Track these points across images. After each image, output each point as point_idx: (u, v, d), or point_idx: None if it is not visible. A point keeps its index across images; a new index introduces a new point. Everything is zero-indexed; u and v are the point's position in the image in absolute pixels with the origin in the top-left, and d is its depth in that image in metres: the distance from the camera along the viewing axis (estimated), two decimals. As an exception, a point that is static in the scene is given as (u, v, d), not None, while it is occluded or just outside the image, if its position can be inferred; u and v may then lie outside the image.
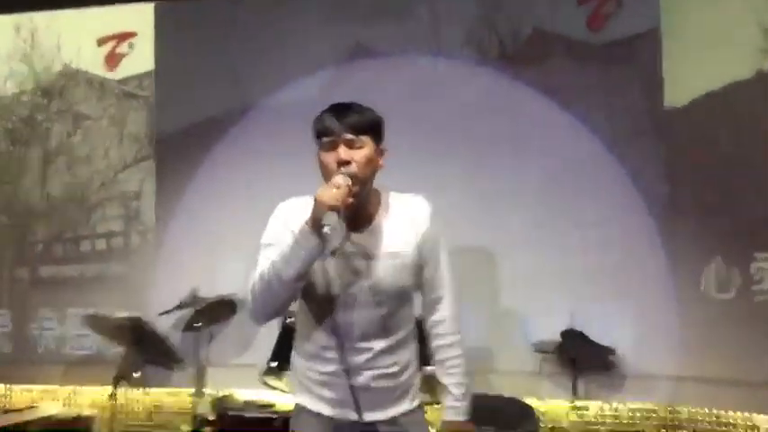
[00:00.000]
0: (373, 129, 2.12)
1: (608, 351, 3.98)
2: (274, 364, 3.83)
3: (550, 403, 4.22)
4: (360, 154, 2.05)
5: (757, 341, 3.83)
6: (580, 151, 4.38)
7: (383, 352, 2.15)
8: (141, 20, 5.14)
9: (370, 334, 2.13)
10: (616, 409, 4.19)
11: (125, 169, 5.14)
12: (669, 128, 4.27)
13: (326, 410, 2.19)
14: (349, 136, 2.05)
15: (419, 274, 2.20)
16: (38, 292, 5.23)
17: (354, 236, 2.11)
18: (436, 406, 2.37)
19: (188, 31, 5.04)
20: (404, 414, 2.22)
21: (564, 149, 4.40)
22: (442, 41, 4.63)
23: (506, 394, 3.89)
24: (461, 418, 2.24)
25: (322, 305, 2.13)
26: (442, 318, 2.24)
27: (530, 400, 3.92)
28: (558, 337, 3.99)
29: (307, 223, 1.94)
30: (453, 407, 2.24)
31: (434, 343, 2.26)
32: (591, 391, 4.16)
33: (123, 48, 5.19)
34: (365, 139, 2.07)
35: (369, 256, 2.11)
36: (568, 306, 4.10)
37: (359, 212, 2.10)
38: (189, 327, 4.58)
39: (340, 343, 2.09)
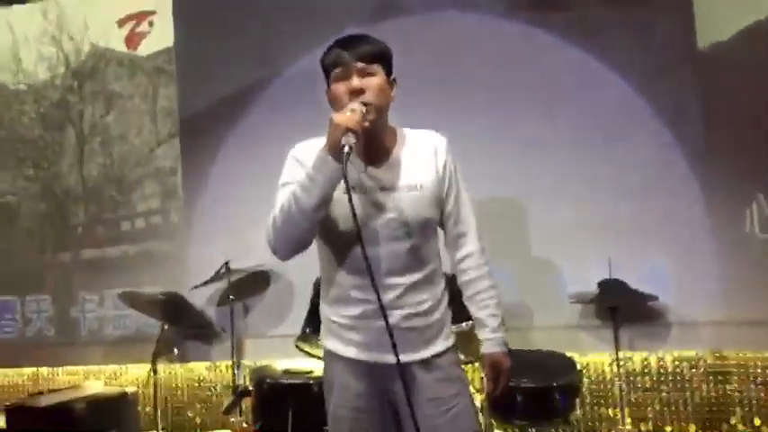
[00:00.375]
0: (384, 57, 2.09)
1: (649, 298, 3.81)
2: (309, 330, 3.81)
3: (592, 356, 4.12)
4: (373, 82, 2.02)
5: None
6: (612, 96, 4.21)
7: (411, 288, 2.10)
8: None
9: (397, 269, 2.08)
10: (661, 359, 4.06)
11: (160, 145, 5.10)
12: (701, 68, 4.11)
13: (358, 354, 2.14)
14: (360, 65, 2.02)
15: (440, 205, 2.16)
16: (80, 275, 5.22)
17: (373, 170, 2.08)
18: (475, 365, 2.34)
19: (208, 4, 5.00)
20: (437, 355, 2.16)
21: (595, 95, 4.24)
22: None
23: (546, 349, 3.80)
24: (500, 349, 2.20)
25: (345, 243, 2.07)
26: (470, 252, 2.22)
27: (571, 354, 3.79)
28: (596, 289, 3.88)
29: (324, 149, 1.91)
30: (490, 339, 2.21)
31: (464, 278, 2.24)
32: (634, 342, 4.04)
33: (144, 27, 5.15)
34: (377, 67, 2.05)
35: (389, 189, 2.08)
36: (606, 256, 3.94)
37: (376, 146, 2.08)
38: (224, 300, 4.61)
39: (366, 281, 1.97)
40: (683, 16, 4.16)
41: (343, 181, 1.90)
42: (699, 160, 4.08)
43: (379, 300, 1.88)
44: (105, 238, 5.20)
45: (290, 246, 2.02)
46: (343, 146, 1.85)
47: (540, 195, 4.25)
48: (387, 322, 1.88)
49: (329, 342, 2.22)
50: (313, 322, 3.70)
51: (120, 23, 5.20)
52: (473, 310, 2.24)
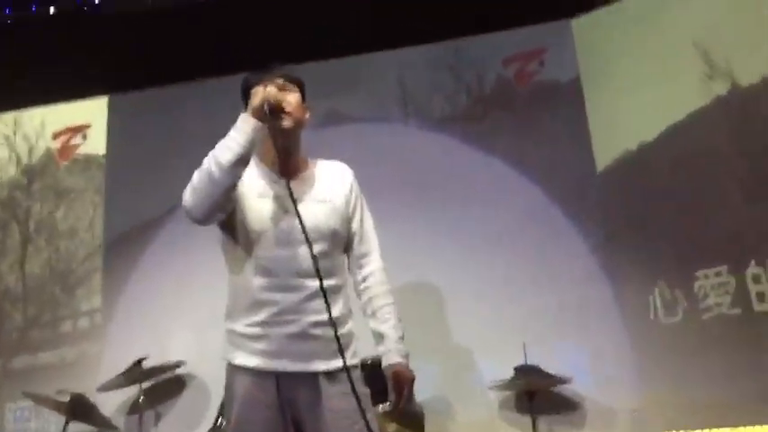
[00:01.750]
0: (299, 82, 2.27)
1: (563, 380, 3.81)
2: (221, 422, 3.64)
3: (512, 447, 4.03)
4: (291, 96, 2.17)
5: (711, 360, 3.79)
6: (522, 202, 4.45)
7: (317, 294, 2.06)
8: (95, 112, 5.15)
9: (304, 271, 2.07)
10: (579, 448, 4.00)
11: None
12: (601, 175, 4.41)
13: (263, 364, 2.08)
14: (280, 81, 2.18)
15: (346, 222, 2.25)
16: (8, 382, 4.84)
17: (292, 184, 2.12)
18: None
19: (140, 119, 5.04)
20: (343, 369, 2.07)
21: (505, 196, 4.47)
22: (393, 109, 4.79)
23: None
24: (402, 359, 2.19)
25: (256, 244, 2.10)
26: (373, 269, 2.29)
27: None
28: (512, 374, 3.85)
29: (245, 113, 2.03)
30: (392, 349, 2.20)
31: (367, 295, 2.27)
32: (553, 430, 3.98)
33: (77, 139, 5.17)
34: (293, 87, 2.22)
35: (301, 198, 2.14)
36: (521, 347, 3.97)
37: (290, 162, 2.19)
38: (135, 407, 4.36)
39: (273, 282, 2.06)
40: (581, 128, 4.49)
41: (258, 188, 2.12)
42: (603, 254, 4.25)
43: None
44: (41, 342, 4.88)
45: (206, 204, 2.02)
46: (264, 103, 1.99)
47: (457, 288, 4.31)
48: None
49: (232, 356, 2.14)
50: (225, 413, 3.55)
51: (55, 136, 5.22)
52: (374, 324, 2.24)
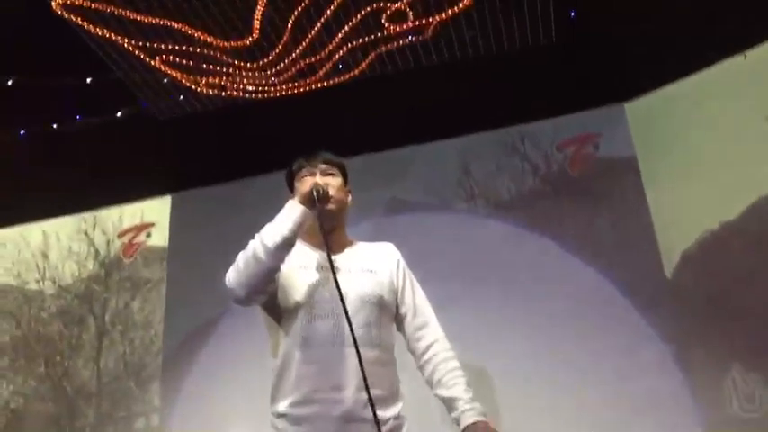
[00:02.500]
0: (341, 167, 2.32)
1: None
2: None
3: None
4: (334, 180, 2.24)
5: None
6: (587, 288, 4.31)
7: (368, 363, 1.99)
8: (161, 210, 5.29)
9: (344, 341, 2.03)
10: None
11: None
12: (669, 258, 4.24)
13: None
14: (323, 166, 2.25)
15: (394, 293, 2.23)
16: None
17: (336, 257, 2.13)
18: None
19: (200, 215, 5.11)
20: None
21: (570, 286, 4.32)
22: (457, 195, 4.76)
23: None
24: (481, 417, 2.06)
25: (297, 316, 2.10)
26: (435, 338, 2.21)
27: None
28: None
29: (293, 199, 2.11)
30: (471, 408, 2.07)
31: (431, 365, 2.17)
32: None
33: (141, 237, 5.29)
34: (336, 171, 2.28)
35: (345, 269, 2.16)
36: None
37: (335, 239, 2.19)
38: None
39: (314, 354, 2.04)
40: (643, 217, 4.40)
41: (300, 260, 2.13)
42: (672, 337, 4.07)
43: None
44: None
45: (249, 284, 2.02)
46: (312, 190, 2.06)
47: (521, 375, 4.17)
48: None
49: None
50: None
51: (121, 234, 5.35)
52: (443, 392, 2.12)
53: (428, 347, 2.19)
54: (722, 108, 4.26)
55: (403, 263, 2.32)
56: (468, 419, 2.05)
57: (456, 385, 2.12)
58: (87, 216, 5.47)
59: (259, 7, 3.58)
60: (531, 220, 4.57)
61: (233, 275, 2.06)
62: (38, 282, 5.43)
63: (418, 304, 2.27)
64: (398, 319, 2.25)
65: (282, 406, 2.06)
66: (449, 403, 2.11)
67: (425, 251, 4.48)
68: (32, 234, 5.55)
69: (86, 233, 5.45)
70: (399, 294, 2.25)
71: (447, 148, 4.88)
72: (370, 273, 2.20)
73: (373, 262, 2.25)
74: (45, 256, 5.46)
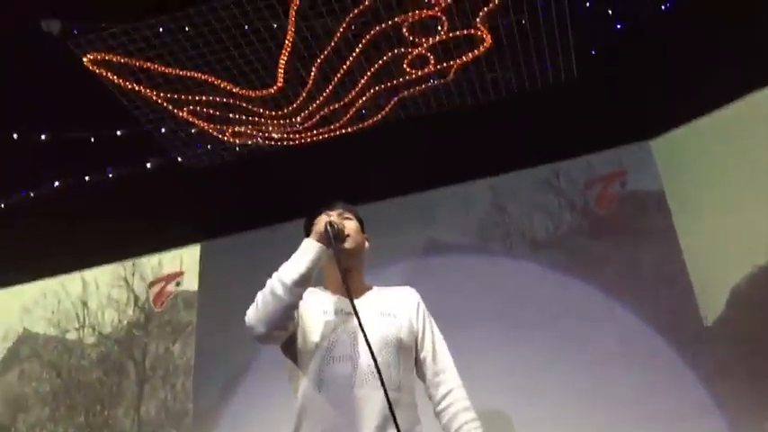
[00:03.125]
0: (358, 216, 2.36)
1: None
2: None
3: None
4: (351, 222, 2.27)
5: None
6: (623, 330, 4.24)
7: (378, 409, 2.02)
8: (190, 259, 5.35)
9: (369, 381, 2.04)
10: None
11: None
12: (705, 299, 4.16)
13: None
14: (339, 210, 2.30)
15: (413, 337, 2.22)
16: None
17: (355, 301, 2.13)
18: None
19: (229, 263, 5.16)
20: None
21: (606, 329, 4.26)
22: (493, 234, 4.76)
23: None
24: None
25: (316, 359, 2.11)
26: (452, 387, 2.20)
27: None
28: None
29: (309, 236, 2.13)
30: None
31: (449, 413, 2.17)
32: None
33: (171, 287, 5.35)
34: (352, 216, 2.32)
35: (368, 314, 2.15)
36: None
37: (356, 282, 2.25)
38: None
39: (334, 396, 2.05)
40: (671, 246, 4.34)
41: (319, 304, 2.18)
42: (711, 380, 3.95)
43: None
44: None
45: (268, 320, 2.04)
46: (326, 226, 2.08)
47: (557, 418, 4.07)
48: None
49: None
50: None
51: (151, 284, 5.41)
52: None
53: (446, 395, 2.19)
54: (750, 142, 4.19)
55: (423, 307, 2.31)
56: None
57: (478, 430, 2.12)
58: (127, 263, 5.54)
59: (283, 56, 3.63)
60: (568, 259, 4.52)
61: (252, 313, 2.08)
62: (78, 330, 5.48)
63: (437, 350, 2.25)
64: (417, 364, 2.24)
65: None
66: None
67: (463, 293, 4.47)
68: (72, 283, 5.62)
69: (126, 279, 5.49)
70: (419, 338, 2.24)
71: (480, 188, 4.88)
72: (389, 316, 2.21)
73: (392, 306, 2.25)
74: (85, 304, 5.51)
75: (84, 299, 5.54)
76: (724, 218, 4.18)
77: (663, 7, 3.61)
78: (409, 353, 2.21)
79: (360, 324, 1.98)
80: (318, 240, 2.09)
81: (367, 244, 2.35)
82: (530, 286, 4.52)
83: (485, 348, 4.24)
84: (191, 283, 5.29)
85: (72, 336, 5.48)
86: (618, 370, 4.12)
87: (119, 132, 3.84)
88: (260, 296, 2.08)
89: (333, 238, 2.07)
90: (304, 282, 2.06)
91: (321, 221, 2.14)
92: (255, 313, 2.06)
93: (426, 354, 2.23)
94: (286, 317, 2.07)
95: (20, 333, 5.63)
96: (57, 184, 4.21)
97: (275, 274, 2.08)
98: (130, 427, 5.00)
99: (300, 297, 2.08)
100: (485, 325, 4.35)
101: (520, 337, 4.34)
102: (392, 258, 4.68)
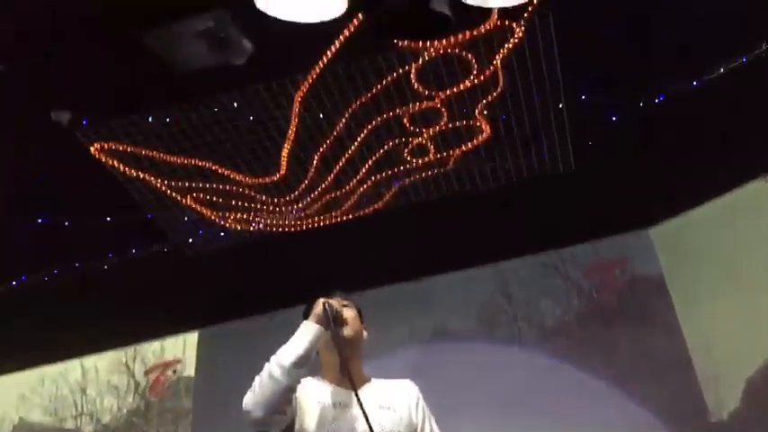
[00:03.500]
0: (357, 305, 2.28)
1: None
2: None
3: None
4: (350, 311, 2.19)
5: None
6: (622, 413, 4.16)
7: None
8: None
9: None
10: None
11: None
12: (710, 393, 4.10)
13: None
14: (338, 298, 2.20)
15: (411, 426, 2.15)
16: None
17: (349, 392, 2.10)
18: None
19: (227, 351, 5.08)
20: None
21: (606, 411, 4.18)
22: (500, 320, 4.74)
23: None
24: None
25: None
26: None
27: None
28: None
29: (307, 319, 2.06)
30: None
31: None
32: None
33: (168, 374, 5.25)
34: (351, 304, 2.24)
35: (367, 407, 2.06)
36: None
37: (356, 374, 2.15)
38: None
39: None
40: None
41: (318, 395, 2.09)
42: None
43: None
44: None
45: (266, 404, 1.96)
46: (326, 307, 2.02)
47: None
48: None
49: None
50: None
51: (147, 372, 5.30)
52: None
53: None
54: (749, 229, 4.20)
55: (422, 401, 2.24)
56: None
57: None
58: (128, 349, 5.41)
59: (286, 145, 3.69)
60: (575, 346, 4.46)
61: (249, 397, 1.99)
62: (75, 419, 5.30)
63: None
64: None
65: None
66: None
67: (468, 380, 4.37)
68: (71, 369, 5.45)
69: (126, 365, 5.34)
70: (416, 427, 2.17)
71: (484, 273, 4.86)
72: (388, 410, 2.14)
73: (391, 399, 2.18)
74: (83, 391, 5.34)
75: (84, 385, 5.40)
76: (726, 305, 4.15)
77: (657, 100, 3.69)
78: None
79: (365, 414, 1.93)
80: (317, 322, 2.04)
81: (366, 334, 2.29)
82: (534, 375, 4.44)
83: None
84: (193, 369, 5.20)
85: (69, 424, 5.32)
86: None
87: (121, 218, 3.87)
88: (257, 380, 2.00)
89: (332, 319, 2.03)
90: (302, 363, 1.98)
91: (319, 304, 2.10)
92: (253, 397, 1.98)
93: None
94: (284, 400, 1.99)
95: (15, 422, 5.47)
96: (56, 271, 4.20)
97: (273, 358, 2.00)
98: None
99: (299, 380, 2.00)
100: (491, 415, 4.25)
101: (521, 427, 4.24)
102: (397, 347, 4.63)
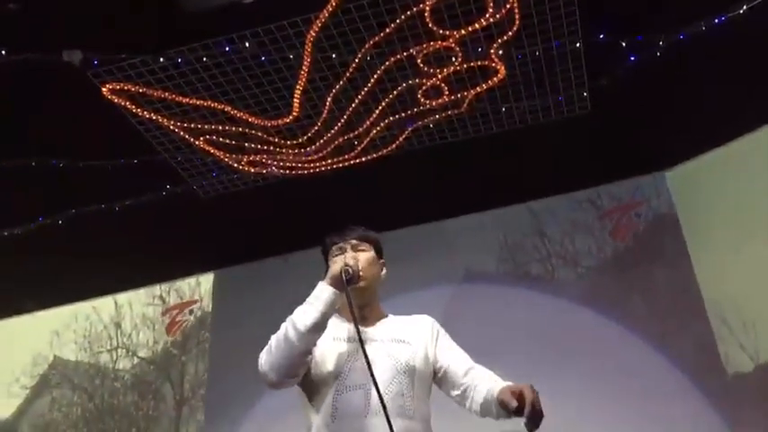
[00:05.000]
0: (371, 241, 2.21)
1: None
2: None
3: None
4: (364, 255, 2.14)
5: None
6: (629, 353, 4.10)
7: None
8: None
9: (373, 411, 1.92)
10: None
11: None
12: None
13: None
14: (354, 241, 2.16)
15: (431, 364, 2.12)
16: None
17: (369, 330, 2.10)
18: None
19: (242, 291, 4.97)
20: None
21: (614, 353, 4.11)
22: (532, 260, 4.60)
23: None
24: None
25: (329, 387, 2.01)
26: (476, 373, 2.09)
27: None
28: None
29: (323, 280, 1.99)
30: (502, 383, 1.96)
31: (474, 382, 2.06)
32: None
33: (185, 315, 5.12)
34: (366, 246, 2.18)
35: (378, 339, 2.08)
36: None
37: (368, 311, 2.14)
38: None
39: (345, 425, 1.93)
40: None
41: (333, 332, 2.03)
42: (723, 406, 3.80)
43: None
44: None
45: (281, 367, 1.94)
46: (341, 271, 1.94)
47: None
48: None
49: None
50: None
51: (164, 312, 5.19)
52: (479, 394, 2.01)
53: (466, 373, 2.10)
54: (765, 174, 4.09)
55: (438, 328, 2.18)
56: (498, 388, 1.92)
57: (490, 378, 2.02)
58: (164, 286, 5.28)
59: (299, 86, 3.59)
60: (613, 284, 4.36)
61: (265, 359, 1.97)
62: (110, 353, 5.23)
63: (458, 356, 2.14)
64: (438, 379, 2.12)
65: None
66: (485, 398, 1.99)
67: (500, 321, 4.26)
68: (104, 305, 5.35)
69: (162, 298, 5.21)
70: (438, 357, 2.12)
71: (520, 213, 4.70)
72: (402, 343, 2.09)
73: (407, 333, 2.13)
74: (118, 326, 5.27)
75: (118, 320, 5.30)
76: (742, 248, 4.07)
77: (681, 36, 3.53)
78: (425, 381, 2.08)
79: (365, 354, 1.87)
80: (333, 285, 1.97)
81: (384, 271, 2.24)
82: (572, 315, 4.32)
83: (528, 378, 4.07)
84: (209, 309, 5.15)
85: (104, 359, 5.23)
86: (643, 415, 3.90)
87: (135, 161, 3.82)
88: (273, 341, 1.98)
89: (347, 282, 1.96)
90: (318, 328, 1.95)
91: (336, 264, 2.01)
92: (269, 358, 1.97)
93: (447, 362, 2.12)
94: (300, 363, 1.97)
95: (50, 359, 5.43)
96: (73, 210, 4.16)
97: (289, 319, 1.97)
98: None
99: (314, 343, 1.96)
100: (519, 355, 4.07)
101: (562, 368, 4.11)
102: (427, 289, 4.54)
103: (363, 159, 4.04)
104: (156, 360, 5.07)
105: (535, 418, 1.76)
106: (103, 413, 5.05)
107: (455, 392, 2.09)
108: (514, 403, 1.79)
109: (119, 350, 5.23)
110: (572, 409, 3.88)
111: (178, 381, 4.90)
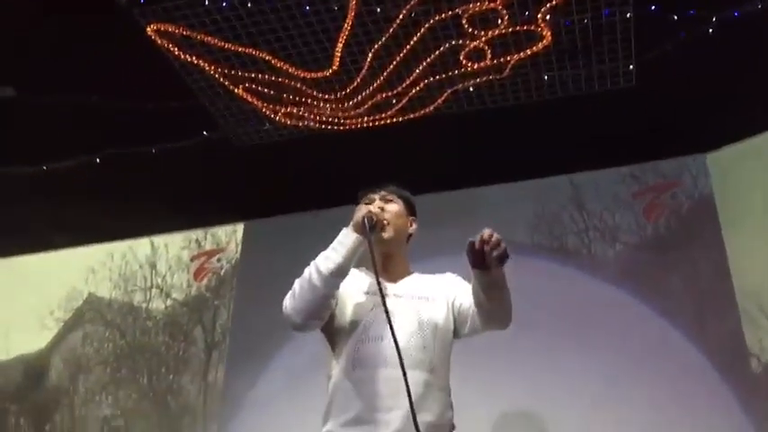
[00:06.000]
0: (404, 197, 2.25)
1: None
2: None
3: None
4: (392, 206, 2.18)
5: None
6: (654, 336, 3.97)
7: (420, 386, 1.94)
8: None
9: (394, 362, 1.87)
10: None
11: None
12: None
13: None
14: (383, 193, 2.21)
15: (452, 319, 2.13)
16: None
17: (393, 285, 2.13)
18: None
19: (271, 245, 4.89)
20: None
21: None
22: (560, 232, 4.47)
23: None
24: None
25: (352, 337, 2.04)
26: None
27: None
28: None
29: (347, 227, 2.01)
30: None
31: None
32: None
33: (212, 263, 5.07)
34: (396, 198, 2.22)
35: (401, 295, 2.10)
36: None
37: (393, 267, 2.17)
38: None
39: (367, 374, 1.97)
40: (718, 260, 4.02)
41: (357, 283, 2.10)
42: (746, 396, 3.66)
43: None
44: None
45: (304, 310, 1.97)
46: (364, 218, 1.96)
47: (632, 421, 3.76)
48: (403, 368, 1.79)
49: None
50: None
51: (193, 258, 5.14)
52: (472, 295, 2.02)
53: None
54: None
55: (459, 278, 2.17)
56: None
57: None
58: (199, 231, 5.24)
59: (341, 40, 3.50)
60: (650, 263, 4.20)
61: (289, 302, 1.99)
62: (144, 292, 5.18)
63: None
64: (462, 318, 2.11)
65: (332, 425, 1.98)
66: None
67: (535, 292, 3.92)
68: (140, 245, 5.33)
69: (198, 242, 5.15)
70: (455, 303, 2.12)
71: (559, 184, 4.53)
72: (425, 299, 2.08)
73: (431, 290, 2.13)
74: (153, 266, 5.22)
75: (153, 261, 5.24)
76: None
77: (735, 14, 3.36)
78: (446, 337, 2.10)
79: (384, 304, 1.85)
80: (356, 231, 1.97)
81: (414, 226, 2.23)
82: (608, 290, 4.18)
83: (549, 354, 3.98)
84: (237, 259, 5.11)
85: (138, 298, 5.18)
86: (665, 399, 3.77)
87: (172, 104, 3.77)
88: (297, 285, 2.00)
89: (369, 229, 1.95)
90: (341, 273, 1.96)
91: (360, 210, 2.01)
92: (292, 302, 1.99)
93: (458, 304, 2.13)
94: (323, 307, 1.98)
95: (84, 294, 5.42)
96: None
97: (313, 263, 1.99)
98: (196, 394, 4.67)
99: (337, 287, 1.99)
100: (549, 329, 4.02)
101: (595, 342, 4.01)
102: (459, 258, 4.42)
103: (401, 119, 3.92)
104: (189, 303, 5.01)
105: (495, 252, 1.79)
106: (134, 351, 5.03)
107: (467, 325, 2.11)
108: (471, 256, 1.82)
109: (153, 290, 5.18)
110: (600, 384, 3.85)
111: (210, 325, 4.85)
